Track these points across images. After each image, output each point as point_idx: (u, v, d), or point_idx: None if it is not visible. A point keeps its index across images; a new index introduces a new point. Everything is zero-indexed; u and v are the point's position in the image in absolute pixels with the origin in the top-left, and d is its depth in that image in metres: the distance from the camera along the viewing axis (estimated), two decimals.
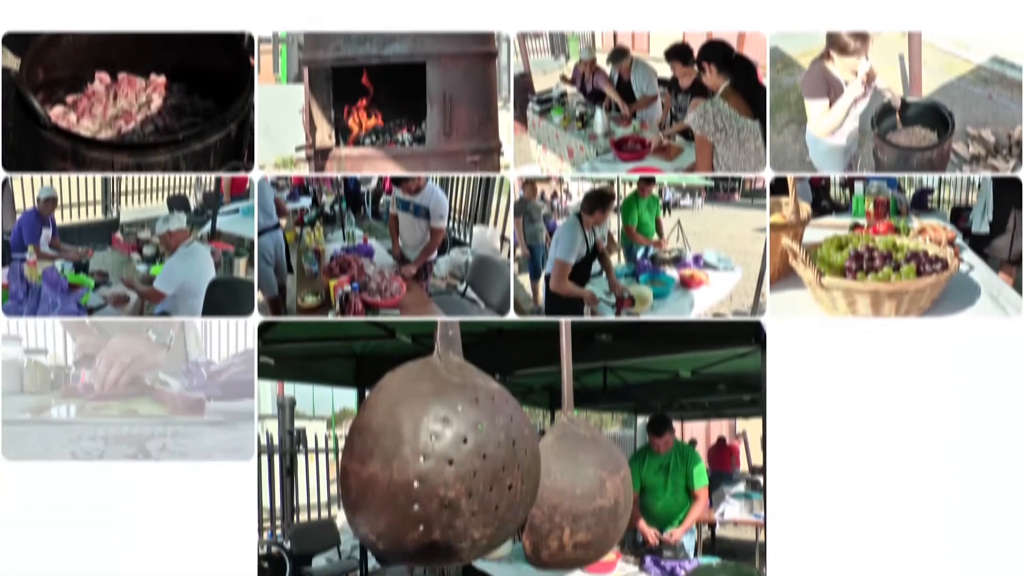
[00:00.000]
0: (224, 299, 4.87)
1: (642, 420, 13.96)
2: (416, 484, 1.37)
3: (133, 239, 5.80)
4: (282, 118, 5.69)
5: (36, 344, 5.02)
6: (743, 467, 13.22)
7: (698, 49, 4.94)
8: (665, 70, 6.34)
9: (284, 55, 8.38)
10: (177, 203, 6.63)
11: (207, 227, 6.01)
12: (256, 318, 4.11)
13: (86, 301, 4.82)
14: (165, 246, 5.13)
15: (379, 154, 5.43)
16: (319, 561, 6.95)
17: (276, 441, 8.18)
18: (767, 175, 4.34)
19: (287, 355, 5.56)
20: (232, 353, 5.24)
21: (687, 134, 5.36)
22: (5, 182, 4.62)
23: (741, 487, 10.02)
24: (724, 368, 6.71)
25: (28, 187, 4.96)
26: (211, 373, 4.65)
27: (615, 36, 6.97)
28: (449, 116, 5.32)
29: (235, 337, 5.55)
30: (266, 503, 7.79)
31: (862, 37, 4.30)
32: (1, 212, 4.86)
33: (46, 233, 5.30)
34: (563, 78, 6.89)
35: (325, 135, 5.44)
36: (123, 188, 5.65)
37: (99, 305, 4.93)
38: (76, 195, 5.43)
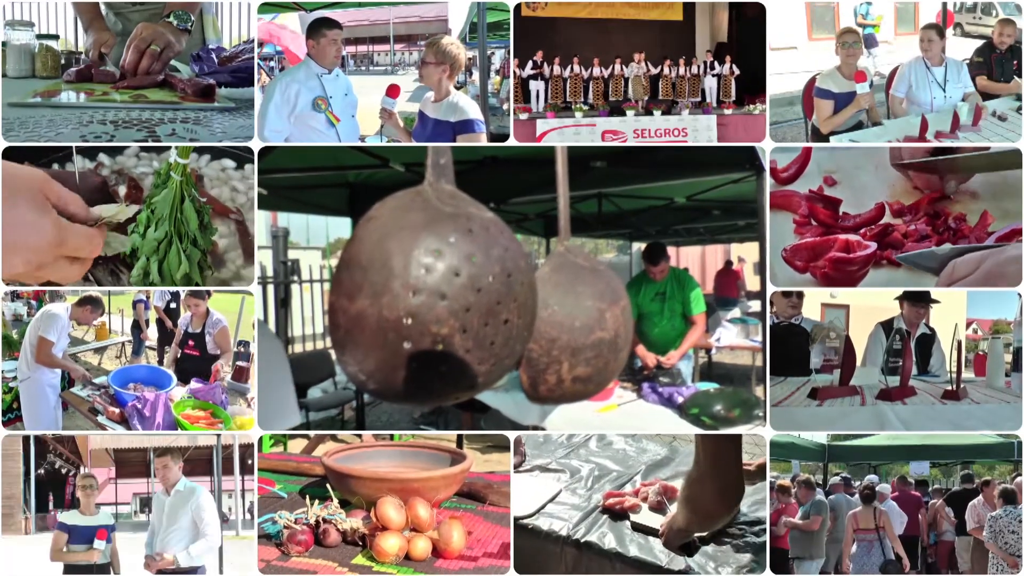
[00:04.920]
0: None
1: (637, 247, 14.01)
2: (407, 321, 1.29)
3: None
4: None
5: (48, 29, 4.97)
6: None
7: None
8: None
9: None
10: None
11: None
12: (256, 143, 3.96)
13: None
14: None
15: None
16: (314, 392, 7.01)
17: (270, 272, 8.11)
18: (767, 146, 4.01)
19: (280, 184, 5.45)
20: (243, 39, 5.21)
21: None
22: None
23: (737, 312, 10.13)
24: (719, 194, 6.64)
25: None
26: (222, 59, 4.61)
27: None
28: None
29: (244, 22, 5.46)
30: None
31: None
32: None
33: None
34: None
35: None
36: None
37: None
38: None
